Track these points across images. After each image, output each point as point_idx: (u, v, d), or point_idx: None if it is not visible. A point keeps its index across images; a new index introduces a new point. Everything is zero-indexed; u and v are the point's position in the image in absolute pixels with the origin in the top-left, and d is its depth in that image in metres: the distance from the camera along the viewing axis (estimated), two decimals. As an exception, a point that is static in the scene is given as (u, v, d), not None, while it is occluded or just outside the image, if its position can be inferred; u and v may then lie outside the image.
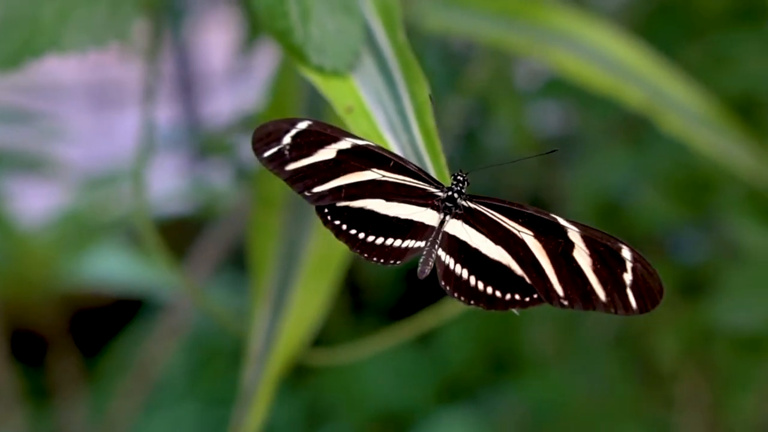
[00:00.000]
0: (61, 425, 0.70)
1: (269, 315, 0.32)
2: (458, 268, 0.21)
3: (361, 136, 0.22)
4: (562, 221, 0.21)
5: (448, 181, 0.22)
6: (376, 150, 0.22)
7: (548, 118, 0.68)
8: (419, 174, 0.22)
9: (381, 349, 0.41)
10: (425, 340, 0.77)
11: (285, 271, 0.33)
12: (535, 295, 0.21)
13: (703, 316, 0.53)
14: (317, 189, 0.22)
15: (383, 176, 0.22)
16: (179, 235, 0.70)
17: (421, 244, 0.22)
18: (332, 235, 0.32)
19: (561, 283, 0.20)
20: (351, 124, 0.23)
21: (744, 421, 0.60)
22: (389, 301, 0.81)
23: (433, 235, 0.22)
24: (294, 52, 0.25)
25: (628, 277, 0.20)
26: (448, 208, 0.22)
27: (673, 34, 0.48)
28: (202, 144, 0.63)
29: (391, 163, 0.22)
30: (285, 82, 0.36)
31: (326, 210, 0.22)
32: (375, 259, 0.22)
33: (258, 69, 0.64)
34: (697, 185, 0.47)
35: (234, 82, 0.71)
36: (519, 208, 0.21)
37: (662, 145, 0.46)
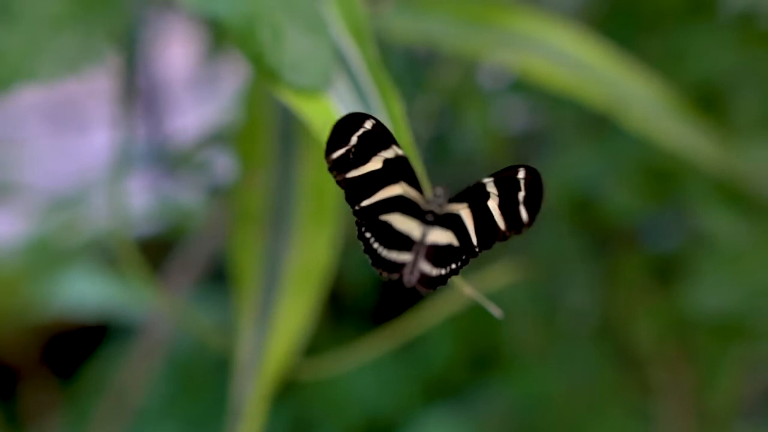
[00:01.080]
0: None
1: (255, 330, 0.34)
2: (427, 267, 0.23)
3: (399, 145, 0.23)
4: (484, 179, 0.23)
5: (428, 189, 0.24)
6: (408, 163, 0.23)
7: (513, 116, 0.70)
8: (421, 190, 0.24)
9: (366, 358, 0.43)
10: (407, 342, 0.78)
11: (269, 285, 0.34)
12: (464, 257, 0.23)
13: (679, 302, 0.55)
14: (365, 203, 0.23)
15: (405, 191, 0.23)
16: (148, 254, 0.71)
17: (408, 257, 0.23)
18: (316, 248, 0.34)
19: (477, 234, 0.22)
20: (329, 141, 0.24)
21: (723, 403, 0.62)
22: (369, 306, 0.82)
23: (416, 248, 0.23)
24: (267, 73, 0.26)
25: (521, 195, 0.22)
26: (428, 221, 0.23)
27: (629, 30, 0.50)
28: (172, 160, 0.64)
29: (413, 177, 0.23)
30: (257, 97, 0.37)
31: (363, 221, 0.23)
32: (383, 272, 0.23)
33: (222, 82, 0.65)
34: (665, 176, 0.49)
35: (197, 96, 0.72)
36: (462, 190, 0.23)
37: (629, 138, 0.48)
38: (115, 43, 0.30)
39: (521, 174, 0.22)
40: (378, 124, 0.22)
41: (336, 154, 0.22)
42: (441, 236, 0.23)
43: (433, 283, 0.23)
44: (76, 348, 0.81)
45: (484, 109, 0.54)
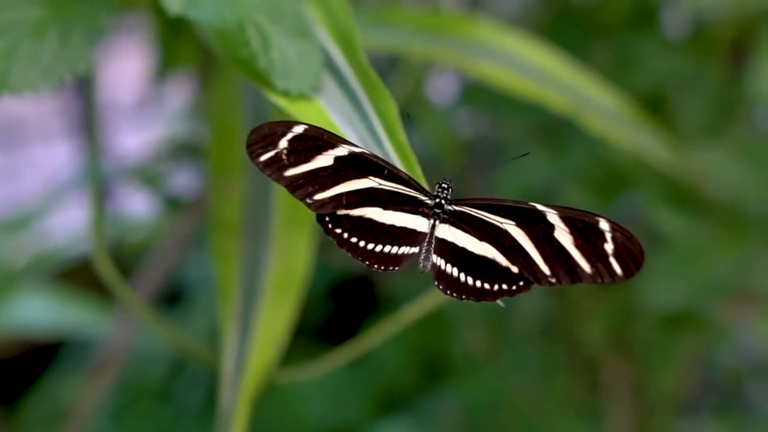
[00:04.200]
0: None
1: (238, 337, 0.33)
2: (449, 268, 0.23)
3: (356, 143, 0.24)
4: (540, 207, 0.23)
5: (425, 184, 0.24)
6: (372, 158, 0.23)
7: (461, 123, 0.71)
8: (410, 182, 0.24)
9: (318, 374, 0.42)
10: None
11: (249, 294, 0.34)
12: (521, 283, 0.23)
13: (625, 300, 0.57)
14: (318, 196, 0.23)
15: (380, 184, 0.23)
16: (91, 272, 0.69)
17: (416, 249, 0.23)
18: (293, 256, 0.33)
19: (546, 263, 0.23)
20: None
21: (666, 398, 0.64)
22: (318, 320, 0.82)
23: (426, 240, 0.23)
24: (259, 79, 0.26)
25: (609, 247, 0.22)
26: (436, 214, 0.24)
27: (574, 39, 0.52)
28: (120, 176, 0.63)
29: (386, 171, 0.23)
30: (226, 108, 0.37)
31: (327, 219, 0.23)
32: (376, 266, 0.23)
33: (167, 101, 0.64)
34: (617, 178, 0.51)
35: (142, 113, 0.71)
36: (499, 203, 0.23)
37: (581, 143, 0.49)
38: (92, 52, 0.29)
39: (605, 225, 0.22)
40: (312, 128, 0.23)
41: (264, 157, 0.23)
42: (461, 237, 0.23)
43: (465, 291, 0.23)
44: (19, 371, 0.78)
45: (438, 118, 0.55)
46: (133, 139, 0.76)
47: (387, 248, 0.23)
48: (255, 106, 0.36)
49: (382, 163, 0.23)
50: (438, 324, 0.75)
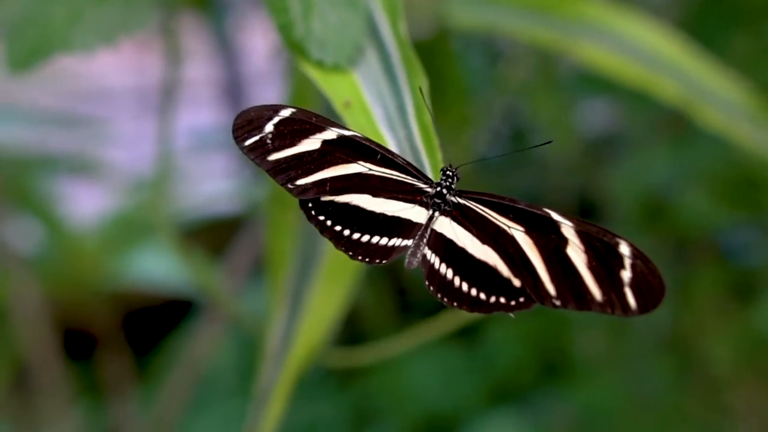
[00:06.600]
0: (114, 421, 0.71)
1: (287, 315, 0.32)
2: (443, 268, 0.20)
3: (348, 127, 0.21)
4: (555, 215, 0.20)
5: (436, 172, 0.21)
6: (363, 141, 0.21)
7: (595, 117, 0.66)
8: (407, 168, 0.21)
9: (425, 343, 0.40)
10: (472, 340, 0.76)
11: (302, 271, 0.32)
12: (522, 299, 0.20)
13: (758, 321, 0.50)
14: (300, 181, 0.21)
15: (370, 170, 0.21)
16: (226, 234, 0.71)
17: (408, 242, 0.21)
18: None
19: (553, 281, 0.19)
20: (348, 119, 0.22)
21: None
22: (435, 300, 0.80)
23: (420, 233, 0.21)
24: (294, 47, 0.24)
25: (626, 275, 0.19)
26: (436, 204, 0.21)
27: (723, 25, 0.46)
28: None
29: (378, 156, 0.21)
30: (301, 80, 0.36)
31: (310, 205, 0.21)
32: (360, 257, 0.21)
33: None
34: (748, 183, 0.45)
35: (276, 83, 0.71)
36: (510, 203, 0.20)
37: (708, 141, 0.43)
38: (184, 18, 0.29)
39: (625, 250, 0.19)
40: (300, 111, 0.21)
41: (248, 142, 0.21)
42: (461, 235, 0.21)
43: (457, 297, 0.20)
44: (153, 323, 0.82)
45: (561, 104, 0.51)
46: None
47: (375, 239, 0.21)
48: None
49: (375, 147, 0.21)
50: (559, 320, 0.71)
